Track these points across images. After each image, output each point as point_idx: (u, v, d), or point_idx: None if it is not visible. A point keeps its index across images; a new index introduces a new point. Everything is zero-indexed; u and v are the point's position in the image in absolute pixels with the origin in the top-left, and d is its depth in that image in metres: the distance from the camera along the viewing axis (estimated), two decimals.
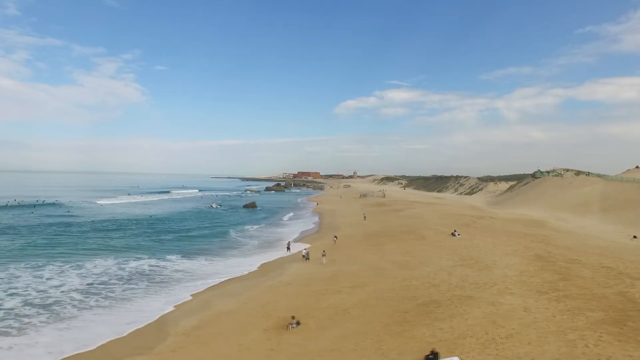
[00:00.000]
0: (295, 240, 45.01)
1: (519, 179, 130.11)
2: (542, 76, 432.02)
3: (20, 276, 29.38)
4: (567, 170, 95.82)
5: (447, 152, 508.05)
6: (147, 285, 27.73)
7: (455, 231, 38.51)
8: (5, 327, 19.79)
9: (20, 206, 77.20)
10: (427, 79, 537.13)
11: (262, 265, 31.83)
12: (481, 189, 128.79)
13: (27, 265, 32.49)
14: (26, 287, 26.63)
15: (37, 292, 25.81)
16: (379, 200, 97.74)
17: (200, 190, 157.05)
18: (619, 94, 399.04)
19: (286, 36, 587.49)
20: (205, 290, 25.40)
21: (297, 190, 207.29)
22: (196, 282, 28.08)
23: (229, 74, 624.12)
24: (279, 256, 35.62)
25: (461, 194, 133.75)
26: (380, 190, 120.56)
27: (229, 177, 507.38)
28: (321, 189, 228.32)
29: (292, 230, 56.36)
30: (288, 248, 37.03)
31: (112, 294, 25.63)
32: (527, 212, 64.27)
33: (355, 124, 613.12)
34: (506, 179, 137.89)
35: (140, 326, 18.83)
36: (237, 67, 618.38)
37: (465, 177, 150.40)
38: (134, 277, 30.03)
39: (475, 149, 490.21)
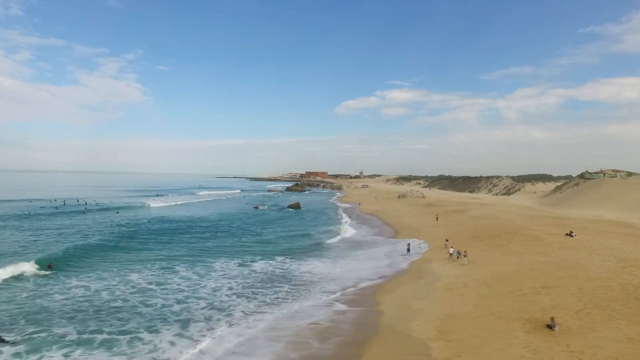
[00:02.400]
0: (388, 244, 45.83)
1: (542, 179, 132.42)
2: (543, 76, 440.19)
3: (172, 277, 30.15)
4: (617, 171, 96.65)
5: (448, 152, 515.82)
6: (291, 287, 28.54)
7: (571, 232, 39.20)
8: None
9: (70, 208, 77.65)
10: (428, 79, 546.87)
11: (410, 265, 32.63)
12: (518, 190, 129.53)
13: (160, 268, 33.18)
14: (193, 289, 27.40)
15: (208, 294, 26.59)
16: (425, 201, 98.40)
17: (242, 191, 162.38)
18: (620, 94, 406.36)
19: (287, 36, 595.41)
20: (373, 292, 26.08)
21: (320, 190, 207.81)
22: (341, 284, 28.80)
23: (230, 74, 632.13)
24: (402, 257, 36.32)
25: (497, 194, 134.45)
26: (417, 191, 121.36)
27: (234, 177, 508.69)
28: (339, 189, 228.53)
29: (366, 233, 56.85)
30: (408, 250, 37.72)
31: (265, 298, 26.20)
32: (598, 213, 64.99)
33: (356, 124, 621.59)
34: (534, 178, 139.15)
35: (367, 331, 19.47)
36: (238, 67, 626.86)
37: (497, 178, 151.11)
38: (273, 278, 31.02)
39: (476, 149, 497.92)
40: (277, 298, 26.11)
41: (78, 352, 17.35)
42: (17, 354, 17.08)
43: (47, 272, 30.42)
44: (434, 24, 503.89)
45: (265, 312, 23.58)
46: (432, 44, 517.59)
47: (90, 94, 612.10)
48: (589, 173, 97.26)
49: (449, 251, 34.24)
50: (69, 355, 17.07)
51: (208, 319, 22.35)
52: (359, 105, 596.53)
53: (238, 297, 26.54)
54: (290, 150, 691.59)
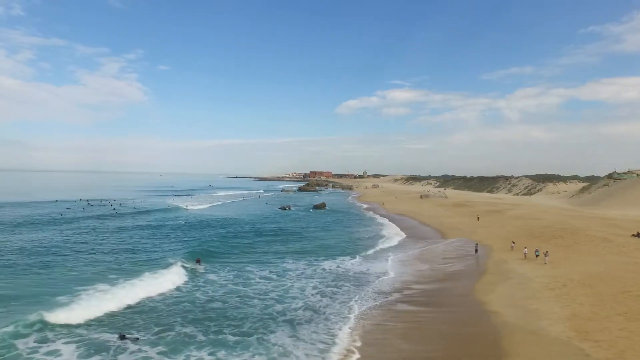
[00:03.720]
0: (425, 244, 45.92)
1: (551, 179, 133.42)
2: (544, 76, 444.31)
3: (253, 278, 30.29)
4: None
5: (449, 152, 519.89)
6: (369, 287, 28.61)
7: (639, 233, 39.28)
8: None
9: (99, 209, 77.19)
10: (429, 79, 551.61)
11: (485, 265, 32.70)
12: (540, 190, 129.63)
13: (232, 270, 33.16)
14: (283, 289, 27.56)
15: (299, 294, 26.80)
16: (452, 201, 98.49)
17: (265, 191, 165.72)
18: (621, 94, 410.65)
19: (288, 36, 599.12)
20: (470, 293, 26.16)
21: (332, 190, 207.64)
22: (416, 285, 29.03)
23: (231, 74, 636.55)
24: (471, 258, 36.37)
25: (517, 194, 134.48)
26: (439, 191, 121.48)
27: (236, 177, 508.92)
28: (350, 189, 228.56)
29: (409, 233, 56.66)
30: (476, 250, 37.77)
31: (344, 297, 26.48)
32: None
33: (357, 124, 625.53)
34: (550, 178, 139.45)
35: (489, 331, 19.58)
36: (239, 67, 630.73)
37: (516, 178, 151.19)
38: (346, 277, 31.39)
39: (477, 149, 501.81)
40: (359, 298, 26.34)
41: (222, 352, 17.40)
42: (162, 353, 17.14)
43: (196, 267, 32.58)
44: (435, 24, 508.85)
45: (356, 312, 23.66)
46: (432, 43, 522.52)
47: (91, 93, 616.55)
48: (618, 174, 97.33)
49: (524, 252, 34.25)
50: (214, 354, 17.14)
51: (309, 321, 22.31)
52: (360, 105, 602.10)
53: (322, 296, 26.76)
54: (291, 150, 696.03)
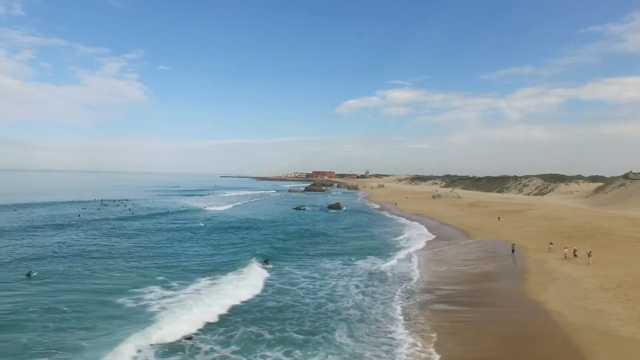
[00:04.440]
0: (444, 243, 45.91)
1: (557, 179, 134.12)
2: (544, 76, 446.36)
3: (297, 277, 30.43)
4: None
5: (449, 151, 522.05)
6: (405, 288, 28.63)
7: None
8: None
9: (117, 210, 76.90)
10: (429, 78, 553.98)
11: (525, 265, 32.70)
12: (552, 190, 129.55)
13: (272, 269, 33.34)
14: (330, 288, 27.71)
15: (346, 293, 26.88)
16: (466, 201, 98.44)
17: (277, 191, 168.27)
18: (621, 94, 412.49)
19: (288, 36, 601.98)
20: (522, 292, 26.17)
21: (340, 190, 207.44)
22: (453, 286, 29.05)
23: (231, 74, 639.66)
24: (508, 258, 36.36)
25: (528, 194, 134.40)
26: (451, 191, 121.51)
27: (238, 177, 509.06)
28: (356, 189, 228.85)
29: (431, 233, 56.65)
30: (513, 250, 37.76)
31: (385, 297, 26.63)
32: None
33: (358, 124, 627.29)
34: (563, 179, 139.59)
35: (551, 331, 19.54)
36: (239, 67, 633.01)
37: (527, 177, 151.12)
38: (378, 278, 31.38)
39: (477, 149, 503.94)
40: (401, 297, 26.50)
41: (297, 352, 17.43)
42: (236, 352, 17.19)
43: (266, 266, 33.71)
44: (435, 24, 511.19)
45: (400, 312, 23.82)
46: (433, 43, 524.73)
47: (92, 93, 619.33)
48: (634, 174, 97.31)
49: (564, 252, 34.25)
50: (290, 355, 17.16)
51: (361, 320, 22.36)
52: (360, 105, 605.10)
53: (364, 295, 26.93)
54: (291, 150, 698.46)
